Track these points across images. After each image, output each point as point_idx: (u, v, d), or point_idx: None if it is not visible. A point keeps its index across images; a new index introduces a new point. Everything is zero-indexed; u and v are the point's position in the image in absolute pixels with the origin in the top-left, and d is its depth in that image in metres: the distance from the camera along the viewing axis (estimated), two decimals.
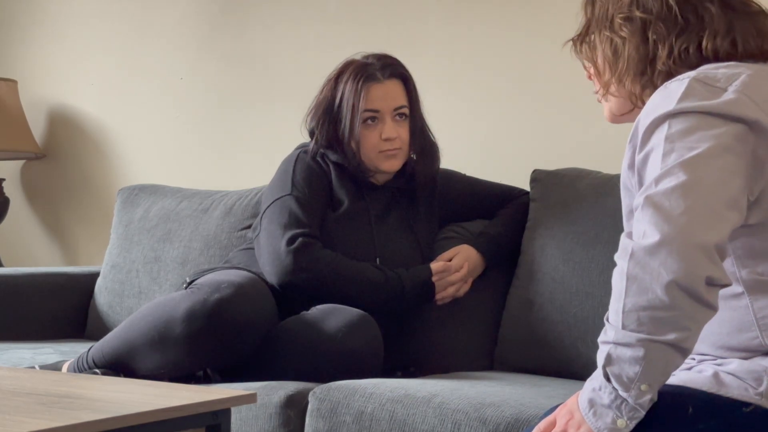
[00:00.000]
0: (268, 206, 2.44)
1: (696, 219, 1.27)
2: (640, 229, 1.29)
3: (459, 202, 2.60)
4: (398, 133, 2.45)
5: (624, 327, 1.28)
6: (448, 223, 2.60)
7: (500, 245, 2.51)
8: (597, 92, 1.58)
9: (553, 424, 1.37)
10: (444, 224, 2.60)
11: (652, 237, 1.27)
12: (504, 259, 2.50)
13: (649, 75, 1.49)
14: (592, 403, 1.31)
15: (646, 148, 1.37)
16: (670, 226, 1.26)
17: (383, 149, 2.44)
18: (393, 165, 2.47)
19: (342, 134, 2.46)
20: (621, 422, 1.29)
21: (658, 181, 1.31)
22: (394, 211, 2.51)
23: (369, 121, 2.44)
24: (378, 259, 2.42)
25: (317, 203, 2.43)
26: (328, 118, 2.48)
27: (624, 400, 1.28)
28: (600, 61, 1.54)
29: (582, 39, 1.57)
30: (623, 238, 1.32)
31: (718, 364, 1.38)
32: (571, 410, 1.35)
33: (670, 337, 1.26)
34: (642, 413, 1.29)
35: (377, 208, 2.49)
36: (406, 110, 2.48)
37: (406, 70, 2.52)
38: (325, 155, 2.49)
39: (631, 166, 1.41)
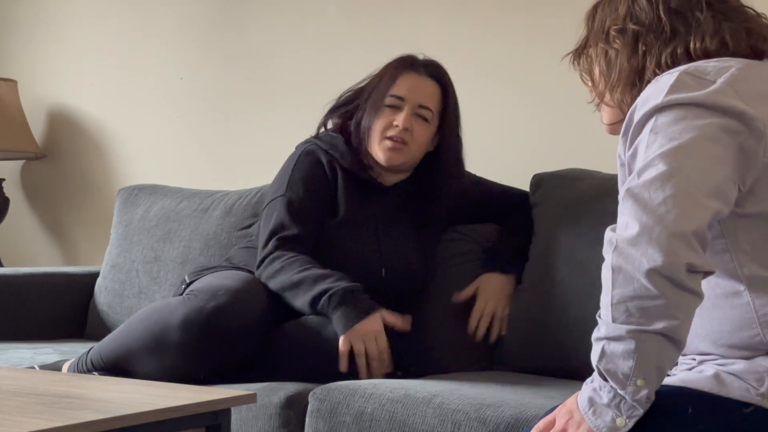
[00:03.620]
0: (265, 207, 2.44)
1: (674, 208, 1.29)
2: (622, 221, 1.32)
3: (468, 203, 2.56)
4: (412, 126, 2.38)
5: (614, 320, 1.29)
6: (455, 223, 2.58)
7: (520, 258, 2.45)
8: (592, 102, 1.62)
9: (553, 423, 1.37)
10: (451, 225, 2.59)
11: (633, 228, 1.29)
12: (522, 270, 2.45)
13: (639, 86, 1.51)
14: (591, 402, 1.31)
15: (635, 143, 1.39)
16: (649, 216, 1.29)
17: (388, 135, 2.37)
18: (392, 158, 2.38)
19: (359, 118, 2.43)
20: (620, 421, 1.29)
21: (640, 173, 1.34)
22: (403, 214, 2.47)
23: (388, 109, 2.39)
24: (383, 270, 2.40)
25: (313, 206, 2.39)
26: (358, 99, 2.45)
27: (622, 398, 1.29)
28: (596, 72, 1.58)
29: (581, 52, 1.60)
30: (608, 231, 1.34)
31: (721, 365, 1.39)
32: (570, 410, 1.35)
33: (659, 326, 1.27)
34: (640, 411, 1.29)
35: (385, 212, 2.45)
36: (429, 114, 2.40)
37: (451, 83, 2.46)
38: (333, 157, 2.43)
39: (624, 161, 1.43)
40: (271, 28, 3.36)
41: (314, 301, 2.21)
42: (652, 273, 1.26)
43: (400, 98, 2.39)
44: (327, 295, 2.19)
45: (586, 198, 2.40)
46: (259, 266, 2.34)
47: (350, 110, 2.48)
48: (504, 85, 2.93)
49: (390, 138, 2.37)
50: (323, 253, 2.35)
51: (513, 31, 2.90)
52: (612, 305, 1.30)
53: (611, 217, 2.30)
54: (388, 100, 2.40)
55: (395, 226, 2.45)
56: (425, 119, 2.41)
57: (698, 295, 1.29)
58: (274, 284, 2.29)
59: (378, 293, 2.31)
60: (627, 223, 1.31)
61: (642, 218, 1.29)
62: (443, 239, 2.57)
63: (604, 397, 1.30)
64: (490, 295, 2.42)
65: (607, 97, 1.56)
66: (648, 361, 1.28)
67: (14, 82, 3.76)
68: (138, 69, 3.64)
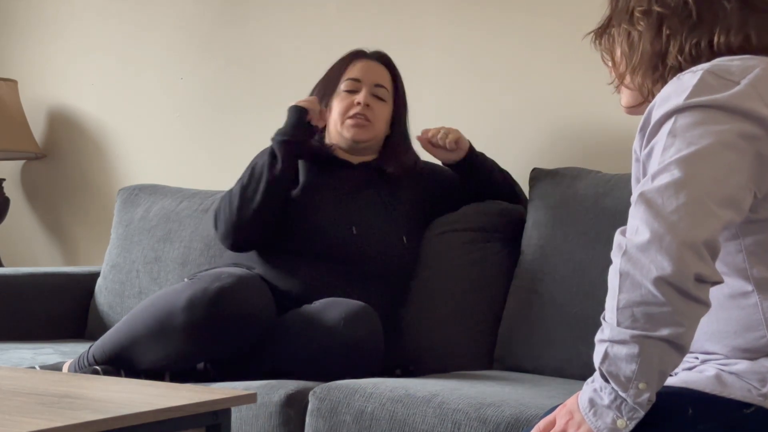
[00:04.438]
0: None
1: (686, 217, 1.28)
2: (633, 226, 1.31)
3: (452, 196, 2.59)
4: (373, 105, 2.50)
5: (619, 324, 1.28)
6: (442, 214, 2.59)
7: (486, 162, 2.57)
8: (612, 83, 1.59)
9: (553, 423, 1.37)
10: (438, 216, 2.59)
11: (644, 234, 1.28)
12: (475, 173, 2.56)
13: (660, 70, 1.49)
14: (592, 403, 1.31)
15: (651, 143, 1.38)
16: (660, 224, 1.28)
17: (351, 114, 2.48)
18: (358, 134, 2.49)
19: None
20: (621, 422, 1.29)
21: (654, 177, 1.32)
22: (371, 190, 2.52)
23: (347, 93, 2.51)
24: (354, 228, 2.43)
25: None
26: (315, 93, 2.58)
27: (623, 400, 1.28)
28: (618, 53, 1.55)
29: (603, 31, 1.58)
30: (617, 234, 1.33)
31: (723, 365, 1.38)
32: (570, 410, 1.35)
33: (664, 332, 1.26)
34: (641, 413, 1.29)
35: (349, 185, 2.51)
36: (385, 93, 2.53)
37: (397, 70, 2.59)
38: None
39: (639, 157, 1.42)
40: (271, 28, 3.36)
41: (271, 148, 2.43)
42: (659, 281, 1.25)
43: (357, 80, 2.52)
44: (272, 140, 2.44)
45: (585, 197, 2.40)
46: (215, 221, 2.50)
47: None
48: (504, 85, 2.93)
49: (353, 117, 2.48)
50: (292, 218, 2.44)
51: (513, 31, 2.90)
52: (618, 309, 1.29)
53: (610, 217, 2.32)
54: (345, 85, 2.52)
55: (361, 195, 2.50)
56: (382, 99, 2.53)
57: (705, 305, 1.29)
58: (235, 200, 2.43)
59: (354, 257, 2.40)
60: (638, 228, 1.30)
61: (653, 225, 1.28)
62: (432, 234, 2.56)
63: (605, 399, 1.30)
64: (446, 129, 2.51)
65: (628, 79, 1.54)
66: (651, 365, 1.27)
67: (14, 82, 3.76)
68: (138, 69, 3.64)
